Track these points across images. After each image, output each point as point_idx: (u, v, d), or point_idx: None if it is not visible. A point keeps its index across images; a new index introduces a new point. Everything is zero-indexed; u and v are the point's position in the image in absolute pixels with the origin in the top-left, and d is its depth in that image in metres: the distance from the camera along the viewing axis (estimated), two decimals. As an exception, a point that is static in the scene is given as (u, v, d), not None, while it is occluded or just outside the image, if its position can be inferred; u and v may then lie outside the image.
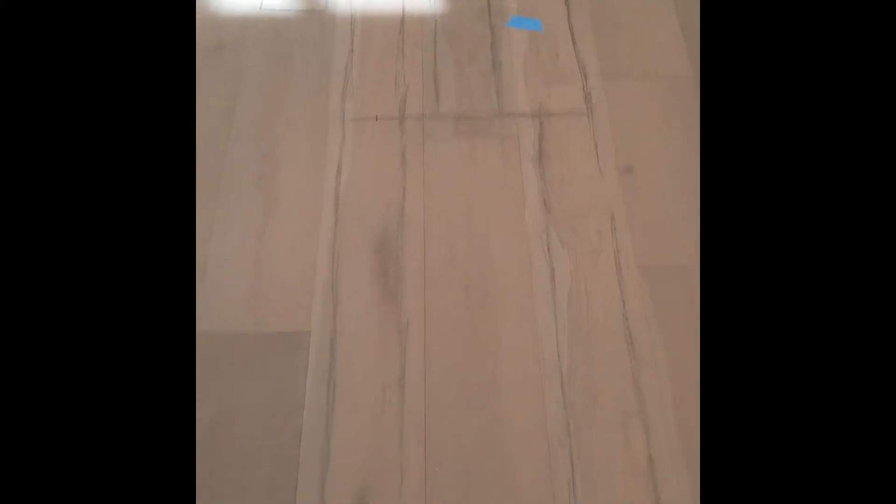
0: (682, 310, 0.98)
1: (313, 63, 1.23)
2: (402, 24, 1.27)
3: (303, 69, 1.22)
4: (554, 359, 0.95)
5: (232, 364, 0.94)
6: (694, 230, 1.05)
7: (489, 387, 0.93)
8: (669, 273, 1.01)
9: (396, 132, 1.15)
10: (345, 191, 1.09)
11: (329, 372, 0.94)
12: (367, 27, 1.27)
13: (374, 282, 1.01)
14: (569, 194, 1.09)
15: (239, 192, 1.09)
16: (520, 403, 0.92)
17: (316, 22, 1.28)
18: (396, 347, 0.96)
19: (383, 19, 1.28)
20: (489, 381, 0.93)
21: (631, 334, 0.96)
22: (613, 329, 0.97)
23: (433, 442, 0.89)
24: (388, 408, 0.91)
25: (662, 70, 1.21)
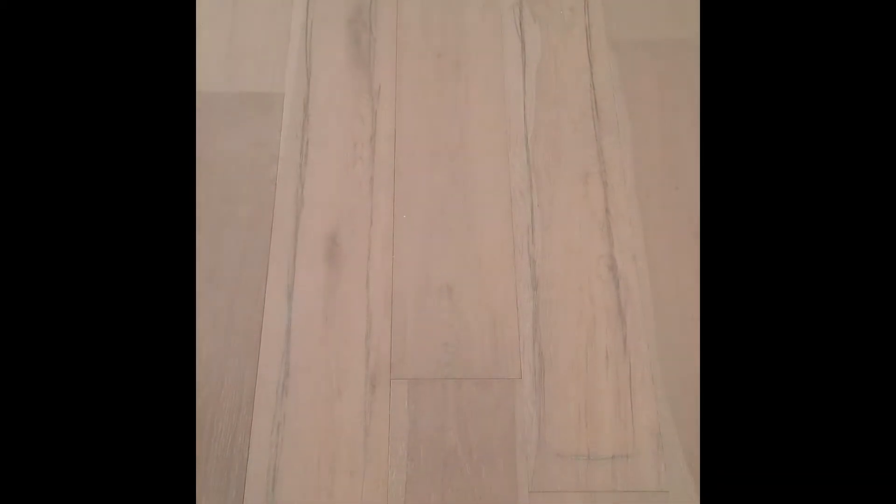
0: (649, 82, 1.01)
1: None
2: None
3: None
4: (520, 123, 0.98)
5: (208, 120, 0.97)
6: (665, 7, 1.05)
7: (456, 146, 0.96)
8: (638, 47, 1.03)
9: None
10: (319, -38, 1.08)
11: (302, 130, 0.97)
12: None
13: (347, 50, 1.03)
14: (544, -28, 1.08)
15: (212, -39, 1.08)
16: (485, 162, 0.96)
17: None
18: (368, 109, 0.99)
19: None
20: (457, 141, 0.97)
21: (596, 102, 0.99)
22: (580, 97, 1.00)
23: (401, 192, 0.93)
24: (358, 161, 0.95)
25: None
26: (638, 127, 0.98)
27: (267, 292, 0.86)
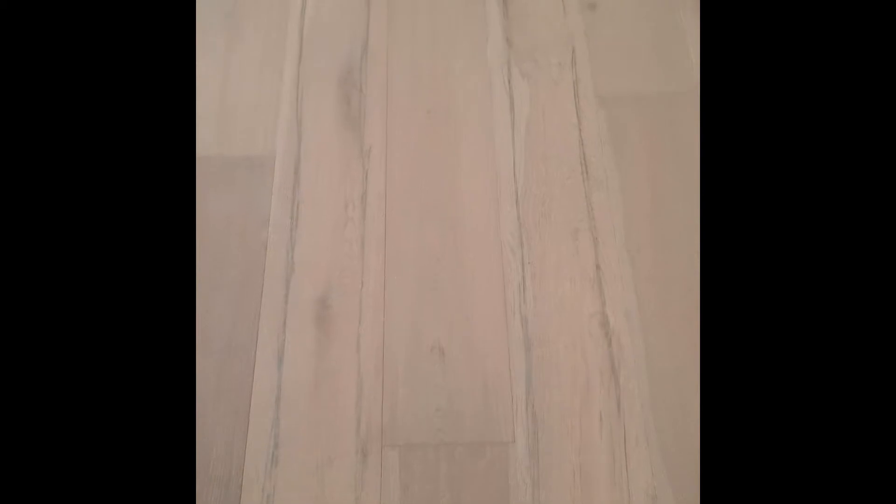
0: (636, 135, 1.01)
1: None
2: None
3: None
4: (510, 179, 0.98)
5: (199, 184, 0.97)
6: (651, 61, 1.06)
7: (447, 204, 0.97)
8: (625, 102, 1.04)
9: (362, -30, 1.15)
10: (309, 25, 1.10)
11: (293, 192, 0.98)
12: None
13: (338, 110, 1.04)
14: (531, 29, 1.10)
15: (205, 25, 1.09)
16: (476, 219, 0.96)
17: None
18: (359, 169, 0.99)
19: None
20: (447, 199, 0.97)
21: (585, 157, 1.00)
22: (569, 152, 1.00)
23: (392, 252, 0.94)
24: (349, 222, 0.95)
25: None
26: (627, 181, 0.98)
27: (257, 358, 0.86)
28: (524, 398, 0.84)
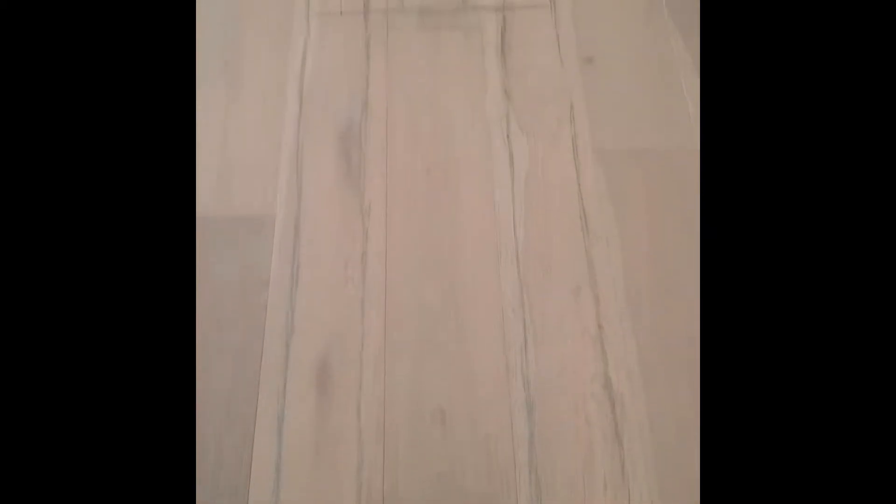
0: (635, 190, 1.01)
1: (278, -40, 1.23)
2: (366, -79, 1.27)
3: (268, -34, 1.22)
4: (510, 236, 0.98)
5: (199, 245, 0.97)
6: (649, 116, 1.07)
7: (447, 262, 0.97)
8: (624, 156, 1.04)
9: (361, 26, 1.16)
10: (309, 81, 1.11)
11: (293, 251, 0.98)
12: (331, -77, 1.27)
13: (337, 167, 1.04)
14: (530, 84, 1.11)
15: (204, 83, 1.10)
16: (476, 277, 0.96)
17: (280, -81, 1.27)
18: (359, 228, 0.99)
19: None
20: (447, 257, 0.97)
21: (585, 213, 1.00)
22: (568, 208, 1.00)
23: (393, 312, 0.93)
24: (349, 282, 0.95)
25: (625, -37, 1.21)
26: (627, 237, 0.98)
27: (256, 425, 0.85)
28: (527, 463, 0.83)
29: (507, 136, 1.06)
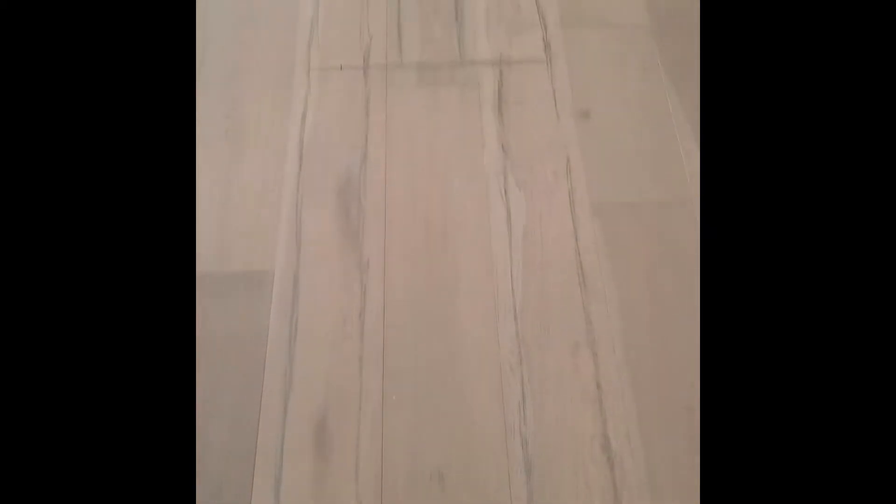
0: (632, 245, 1.02)
1: (280, 16, 1.26)
2: (366, -23, 1.30)
3: (270, 22, 1.25)
4: (508, 291, 0.99)
5: (199, 301, 0.98)
6: (645, 170, 1.08)
7: (446, 318, 0.97)
8: (621, 210, 1.05)
9: (360, 81, 1.18)
10: (309, 136, 1.12)
11: (291, 307, 0.98)
12: (332, -20, 1.29)
13: (336, 222, 1.05)
14: (526, 138, 1.12)
15: (206, 139, 1.12)
16: (474, 334, 0.96)
17: (282, -25, 1.30)
18: (357, 283, 1.00)
19: (348, -28, 1.30)
20: (446, 313, 0.97)
21: (583, 268, 1.00)
22: (566, 263, 1.01)
23: (391, 370, 0.93)
24: (347, 339, 0.95)
25: (619, 19, 1.24)
26: (624, 293, 0.98)
27: (254, 489, 0.85)
28: (526, 526, 0.83)
29: (505, 191, 1.07)
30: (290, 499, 0.84)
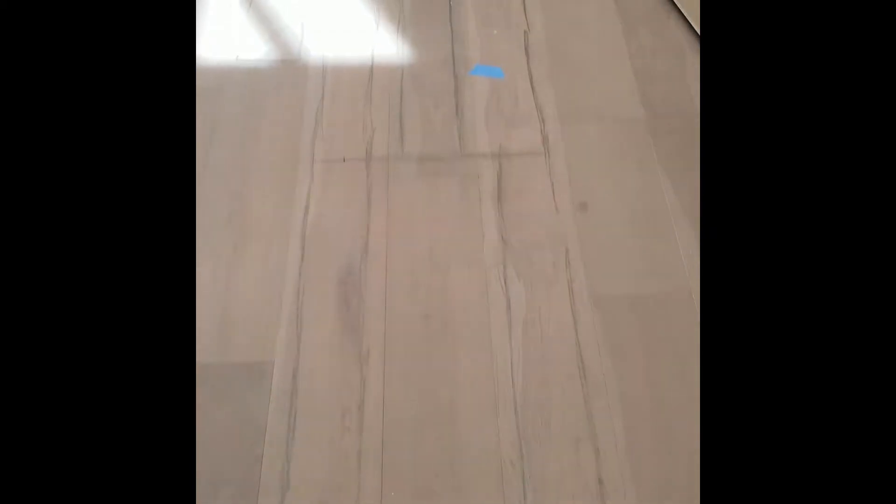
0: (632, 337, 1.02)
1: (286, 109, 1.30)
2: (370, 73, 1.35)
3: (275, 114, 1.29)
4: (508, 384, 0.98)
5: (197, 393, 0.97)
6: (642, 261, 1.09)
7: (445, 412, 0.96)
8: (620, 302, 1.06)
9: (363, 172, 1.21)
10: (311, 227, 1.14)
11: (291, 400, 0.97)
12: (337, 76, 1.34)
13: (337, 313, 1.05)
14: (526, 229, 1.14)
15: (210, 228, 1.14)
16: (475, 428, 0.95)
17: (289, 72, 1.35)
18: (356, 375, 0.99)
19: (353, 69, 1.36)
20: (445, 407, 0.97)
21: (583, 360, 1.00)
22: (566, 355, 1.01)
23: (390, 464, 0.92)
24: (346, 433, 0.94)
25: (616, 113, 1.28)
26: (625, 385, 0.98)
27: (247, 593, 0.82)
28: None
29: (505, 282, 1.08)
30: None
